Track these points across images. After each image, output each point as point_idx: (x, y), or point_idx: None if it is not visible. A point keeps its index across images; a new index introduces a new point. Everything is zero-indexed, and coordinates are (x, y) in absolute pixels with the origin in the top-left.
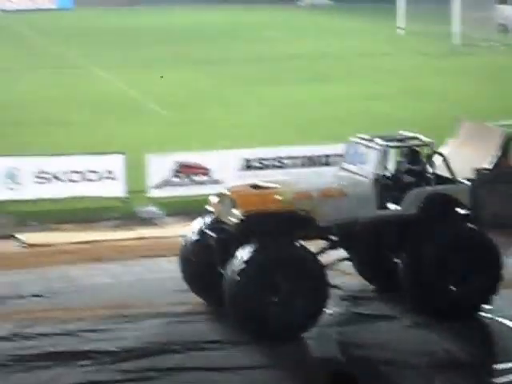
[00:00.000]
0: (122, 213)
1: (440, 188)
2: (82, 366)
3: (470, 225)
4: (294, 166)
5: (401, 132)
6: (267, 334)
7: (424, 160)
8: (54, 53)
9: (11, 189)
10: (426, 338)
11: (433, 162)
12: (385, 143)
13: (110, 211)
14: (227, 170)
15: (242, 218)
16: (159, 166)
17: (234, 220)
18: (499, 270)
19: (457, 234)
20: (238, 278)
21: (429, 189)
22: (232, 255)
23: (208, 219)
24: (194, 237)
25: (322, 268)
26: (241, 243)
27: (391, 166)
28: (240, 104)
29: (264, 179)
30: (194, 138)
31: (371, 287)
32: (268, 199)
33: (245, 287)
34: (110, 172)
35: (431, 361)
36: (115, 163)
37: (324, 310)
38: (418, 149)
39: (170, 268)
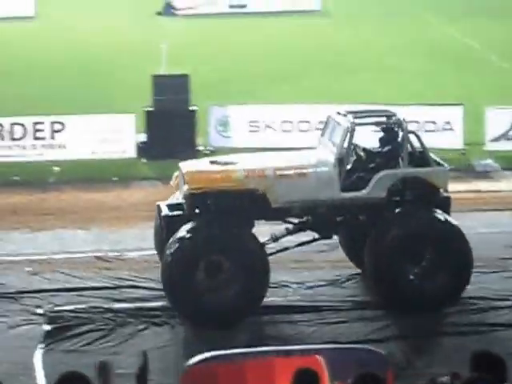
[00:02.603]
0: (458, 165)
1: (413, 171)
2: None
3: (442, 213)
4: None
5: (383, 108)
6: (200, 320)
7: (400, 139)
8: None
9: None
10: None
11: (408, 141)
12: (352, 120)
13: (448, 163)
14: None
15: (187, 194)
16: (498, 119)
17: (182, 197)
18: (468, 268)
19: (426, 223)
20: (169, 259)
21: (401, 171)
22: None
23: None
24: (159, 209)
25: (262, 252)
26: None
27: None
28: None
29: (228, 156)
30: None
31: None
32: (217, 176)
33: (173, 268)
34: (447, 123)
35: None
36: (453, 114)
37: (263, 297)
38: (394, 127)
39: (504, 222)
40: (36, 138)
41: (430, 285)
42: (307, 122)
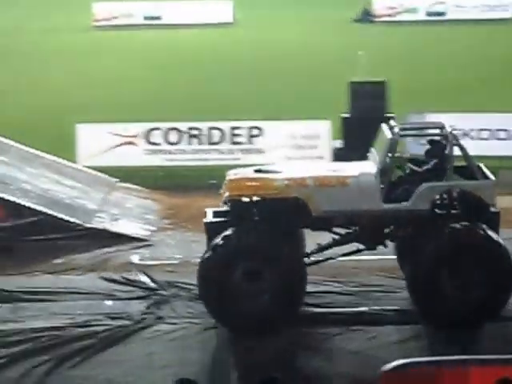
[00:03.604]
0: None
1: (457, 183)
2: None
3: (485, 228)
4: None
5: (432, 121)
6: (234, 326)
7: (446, 152)
8: None
9: None
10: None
11: (452, 154)
12: (397, 132)
13: None
14: None
15: (228, 201)
16: None
17: (222, 204)
18: (509, 282)
19: (465, 237)
20: (204, 262)
21: (445, 183)
22: None
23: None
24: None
25: (300, 260)
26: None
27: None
28: None
29: (271, 164)
30: None
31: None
32: (257, 184)
33: (207, 272)
34: None
35: None
36: None
37: (299, 306)
38: (441, 139)
39: None
40: (233, 143)
41: (470, 300)
42: (505, 130)
